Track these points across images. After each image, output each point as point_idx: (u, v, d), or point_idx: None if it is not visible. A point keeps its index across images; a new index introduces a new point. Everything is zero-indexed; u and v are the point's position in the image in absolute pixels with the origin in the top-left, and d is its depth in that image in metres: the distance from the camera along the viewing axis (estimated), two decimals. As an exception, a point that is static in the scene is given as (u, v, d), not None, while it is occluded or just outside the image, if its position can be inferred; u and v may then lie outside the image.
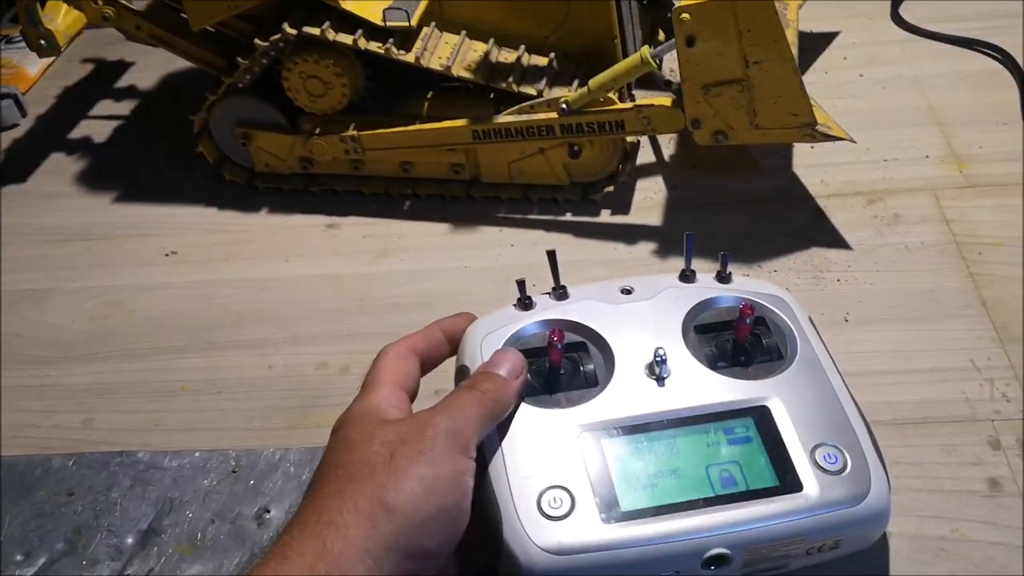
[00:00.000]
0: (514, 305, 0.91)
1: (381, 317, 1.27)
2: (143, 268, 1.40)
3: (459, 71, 1.32)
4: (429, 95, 1.40)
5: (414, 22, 1.30)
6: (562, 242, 1.34)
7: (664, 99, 1.25)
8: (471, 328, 0.89)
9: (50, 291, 1.37)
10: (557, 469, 0.76)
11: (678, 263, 1.25)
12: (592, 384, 0.83)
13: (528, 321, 0.88)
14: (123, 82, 1.85)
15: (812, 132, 1.19)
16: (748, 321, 0.83)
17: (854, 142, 1.24)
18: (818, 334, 0.88)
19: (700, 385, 0.81)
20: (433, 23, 1.36)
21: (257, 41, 1.31)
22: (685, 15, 1.13)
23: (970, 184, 1.34)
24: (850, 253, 1.26)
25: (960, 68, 1.57)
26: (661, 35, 1.47)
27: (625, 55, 1.36)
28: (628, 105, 1.27)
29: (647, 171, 1.44)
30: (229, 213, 1.48)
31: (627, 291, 0.90)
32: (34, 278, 1.40)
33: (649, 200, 1.39)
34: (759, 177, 1.41)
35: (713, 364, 0.84)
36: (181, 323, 1.30)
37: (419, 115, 1.38)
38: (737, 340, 0.85)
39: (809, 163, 1.41)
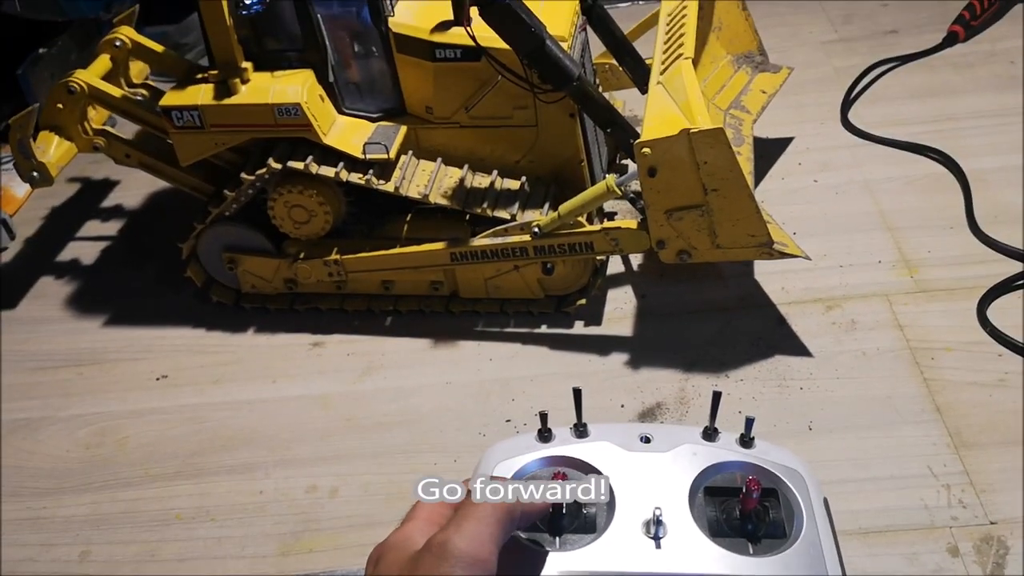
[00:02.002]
0: (535, 435, 0.90)
1: (368, 436, 1.32)
2: (134, 393, 1.45)
3: (436, 198, 1.39)
4: (408, 217, 1.47)
5: (392, 155, 1.37)
6: (537, 355, 1.41)
7: (630, 221, 1.32)
8: (488, 452, 0.90)
9: (43, 420, 1.42)
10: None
11: (650, 374, 1.32)
12: (589, 530, 0.82)
13: (542, 455, 0.88)
14: (109, 201, 1.91)
15: (770, 251, 1.26)
16: (755, 495, 0.81)
17: (808, 259, 1.31)
18: (828, 514, 0.86)
19: (695, 553, 0.79)
20: (410, 151, 1.43)
21: (243, 175, 1.38)
22: (646, 149, 1.20)
23: (921, 289, 1.41)
24: (811, 360, 1.32)
25: (908, 172, 1.65)
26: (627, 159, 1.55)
27: (592, 177, 1.44)
28: (596, 227, 1.34)
29: (617, 281, 1.51)
30: (217, 334, 1.53)
31: (646, 439, 0.89)
32: (28, 407, 1.44)
33: (619, 311, 1.46)
34: (723, 285, 1.47)
35: (715, 531, 0.82)
36: (173, 449, 1.34)
37: (398, 237, 1.46)
38: (743, 510, 0.83)
39: (769, 270, 1.48)
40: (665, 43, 1.37)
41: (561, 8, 1.39)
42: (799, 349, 1.34)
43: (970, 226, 1.50)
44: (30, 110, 1.47)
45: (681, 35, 1.35)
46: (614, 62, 1.60)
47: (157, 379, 1.46)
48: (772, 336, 1.37)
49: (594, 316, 1.46)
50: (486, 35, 1.27)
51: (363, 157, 1.37)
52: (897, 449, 1.18)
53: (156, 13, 1.71)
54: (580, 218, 1.33)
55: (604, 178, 1.28)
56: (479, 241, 1.38)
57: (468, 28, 1.27)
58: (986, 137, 1.70)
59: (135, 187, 1.93)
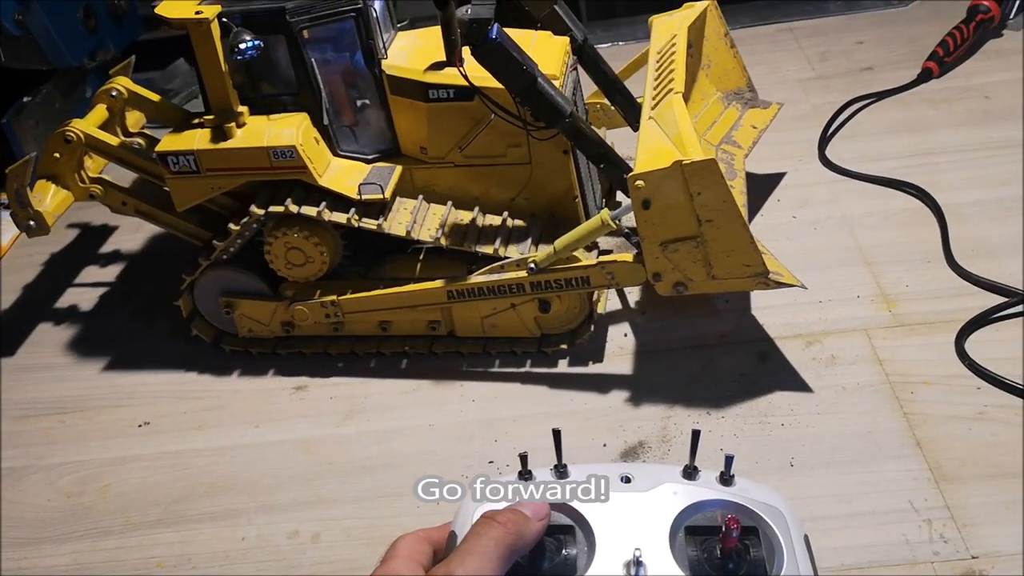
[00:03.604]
0: (516, 477, 0.89)
1: (350, 481, 1.32)
2: (116, 440, 1.44)
3: (441, 239, 1.39)
4: (403, 258, 1.48)
5: (388, 195, 1.38)
6: (520, 395, 1.41)
7: (626, 255, 1.33)
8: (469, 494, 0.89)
9: (25, 468, 1.41)
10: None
11: (632, 413, 1.33)
12: (569, 572, 0.82)
13: (525, 495, 0.86)
14: (107, 246, 1.92)
15: (765, 280, 1.27)
16: (734, 534, 0.81)
17: (805, 288, 1.32)
18: (809, 552, 0.86)
19: None
20: (421, 197, 1.44)
21: (231, 226, 1.39)
22: (639, 182, 1.21)
23: (899, 323, 1.42)
24: (792, 396, 1.33)
25: (885, 207, 1.67)
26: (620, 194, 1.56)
27: (586, 213, 1.45)
28: (592, 261, 1.35)
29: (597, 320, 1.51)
30: (200, 379, 1.54)
31: (626, 479, 0.88)
32: (10, 456, 1.44)
33: (601, 349, 1.46)
34: (704, 322, 1.48)
35: (696, 570, 0.82)
36: (155, 497, 1.34)
37: (395, 277, 1.46)
38: (724, 549, 0.83)
39: (749, 307, 1.49)
40: (655, 79, 1.39)
41: (552, 47, 1.41)
42: (780, 385, 1.35)
43: (947, 260, 1.52)
44: (27, 159, 1.48)
45: (671, 71, 1.37)
46: (606, 101, 1.62)
47: (139, 426, 1.46)
48: (753, 372, 1.38)
49: (576, 355, 1.46)
50: (479, 74, 1.28)
51: (359, 198, 1.38)
52: (878, 484, 1.18)
53: (140, 60, 1.72)
54: (576, 253, 1.34)
55: (598, 213, 1.29)
56: (475, 278, 1.39)
57: (461, 68, 1.29)
58: (961, 171, 1.71)
59: (132, 231, 1.94)
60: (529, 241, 1.40)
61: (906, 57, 2.12)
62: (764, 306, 1.48)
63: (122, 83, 1.56)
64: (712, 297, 1.50)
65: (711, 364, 1.41)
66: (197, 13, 1.31)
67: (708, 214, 1.22)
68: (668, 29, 1.50)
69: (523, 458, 0.89)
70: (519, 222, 1.43)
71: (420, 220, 1.41)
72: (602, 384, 1.40)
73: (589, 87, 1.59)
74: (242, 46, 1.29)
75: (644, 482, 0.88)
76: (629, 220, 1.29)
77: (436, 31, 1.34)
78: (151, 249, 1.89)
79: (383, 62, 1.37)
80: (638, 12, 2.53)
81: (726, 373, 1.39)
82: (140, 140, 1.58)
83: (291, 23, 1.31)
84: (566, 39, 1.46)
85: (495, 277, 1.38)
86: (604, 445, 1.30)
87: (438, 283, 1.41)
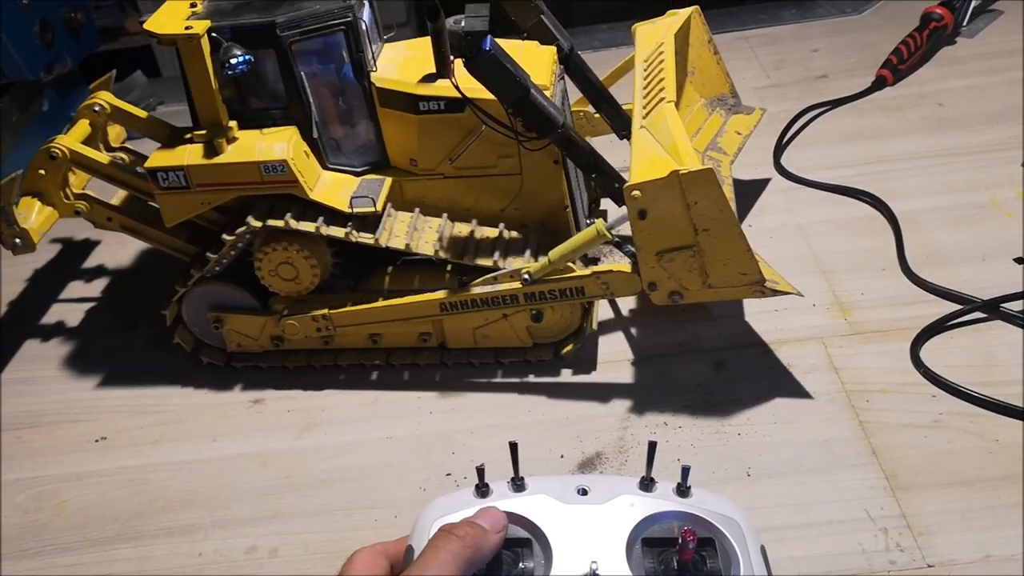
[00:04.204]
0: (472, 490, 0.89)
1: (307, 494, 1.31)
2: (73, 456, 1.43)
3: (443, 253, 1.38)
4: (390, 269, 1.48)
5: (379, 207, 1.37)
6: (477, 406, 1.41)
7: (621, 265, 1.33)
8: (425, 509, 0.88)
9: (-20, 486, 1.40)
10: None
11: (589, 424, 1.33)
12: None
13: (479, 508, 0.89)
14: (89, 262, 1.90)
15: (761, 289, 1.28)
16: (690, 546, 0.82)
17: (801, 295, 1.33)
18: (766, 562, 0.86)
19: None
20: (417, 209, 1.43)
21: (225, 237, 1.38)
22: (636, 192, 1.22)
23: (855, 331, 1.43)
24: (749, 406, 1.34)
25: (840, 215, 1.68)
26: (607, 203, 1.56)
27: (576, 223, 1.45)
28: (587, 272, 1.34)
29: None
30: (157, 393, 1.52)
31: (583, 491, 0.88)
32: (-35, 473, 1.42)
33: (556, 361, 1.46)
34: (660, 332, 1.49)
35: None
36: (112, 512, 1.33)
37: (383, 289, 1.46)
38: (681, 561, 0.83)
39: (708, 316, 1.50)
40: (645, 88, 1.39)
41: (540, 57, 1.41)
42: (737, 394, 1.36)
43: (902, 268, 1.53)
44: (13, 177, 1.45)
45: (661, 79, 1.38)
46: (590, 109, 1.62)
47: (96, 441, 1.45)
48: (710, 382, 1.39)
49: (531, 367, 1.46)
50: (470, 86, 1.28)
51: (350, 211, 1.37)
52: (835, 493, 1.19)
53: (97, 72, 1.71)
54: (570, 263, 1.34)
55: (587, 223, 1.29)
56: (470, 290, 1.38)
57: (453, 79, 1.29)
58: (915, 179, 1.73)
59: (114, 246, 1.91)
60: (528, 253, 1.40)
61: (860, 65, 2.15)
62: (721, 315, 1.49)
63: (105, 98, 1.54)
64: (670, 307, 1.51)
65: (668, 374, 1.41)
66: (187, 29, 1.29)
67: (705, 223, 1.22)
68: (653, 37, 1.51)
69: (480, 471, 0.89)
70: (515, 233, 1.43)
71: (417, 233, 1.40)
72: (558, 395, 1.41)
73: (572, 94, 1.59)
74: (233, 61, 1.27)
75: (601, 494, 0.88)
76: (623, 228, 1.29)
77: (423, 42, 1.35)
78: (117, 264, 1.87)
79: (372, 74, 1.37)
80: (623, 18, 2.53)
81: (683, 383, 1.39)
82: (123, 155, 1.56)
83: (281, 37, 1.31)
84: (553, 48, 1.46)
85: (490, 289, 1.38)
86: (561, 456, 1.30)
87: (432, 295, 1.40)
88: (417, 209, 1.43)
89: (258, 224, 1.35)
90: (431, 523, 0.87)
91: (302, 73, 1.35)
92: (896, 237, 1.59)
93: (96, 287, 1.81)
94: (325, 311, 1.44)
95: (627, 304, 1.55)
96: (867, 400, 1.31)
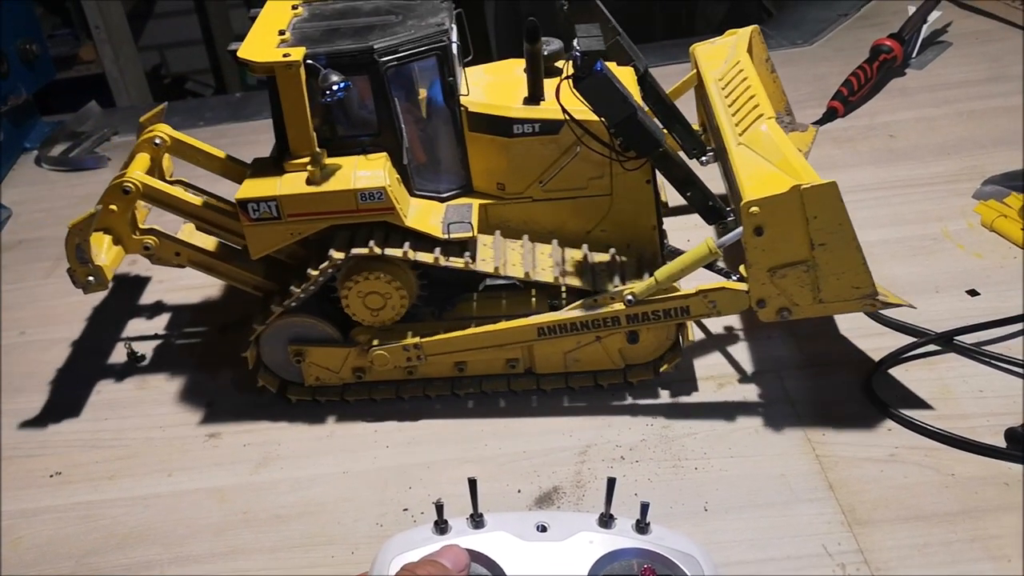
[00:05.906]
0: (431, 526, 0.91)
1: (264, 530, 1.30)
2: (28, 491, 1.41)
3: (536, 275, 1.36)
4: (480, 296, 1.47)
5: (475, 232, 1.35)
6: (434, 440, 1.41)
7: (730, 283, 1.33)
8: (384, 546, 0.90)
9: (-67, 523, 1.37)
10: None
11: (545, 458, 1.31)
12: None
13: (439, 546, 0.88)
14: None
15: (873, 302, 1.28)
16: None
17: (914, 307, 1.35)
18: None
19: None
20: (498, 232, 1.42)
21: (310, 271, 1.35)
22: (755, 208, 1.21)
23: (811, 363, 1.45)
24: (705, 439, 1.34)
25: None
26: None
27: (661, 243, 1.45)
28: (692, 291, 1.33)
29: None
30: (113, 427, 1.51)
31: (542, 528, 0.90)
32: (-83, 512, 1.39)
33: (512, 394, 1.46)
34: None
35: None
36: (67, 549, 1.31)
37: (471, 316, 1.43)
38: None
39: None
40: (731, 105, 1.41)
41: (624, 78, 1.38)
42: (693, 428, 1.36)
43: (856, 300, 1.55)
44: (91, 213, 1.39)
45: (751, 96, 1.39)
46: None
47: (51, 476, 1.43)
48: (667, 415, 1.39)
49: (486, 401, 1.46)
50: (573, 107, 1.29)
51: (446, 237, 1.35)
52: (792, 528, 1.20)
53: (53, 103, 1.69)
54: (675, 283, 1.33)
55: (669, 248, 1.32)
56: (568, 313, 1.36)
57: (560, 101, 1.28)
58: (868, 211, 1.75)
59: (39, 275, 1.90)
60: (619, 274, 1.39)
61: (811, 96, 2.17)
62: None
63: (164, 130, 1.52)
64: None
65: (623, 407, 1.42)
66: (285, 56, 1.27)
67: (823, 237, 1.23)
68: (719, 55, 1.52)
69: (439, 508, 0.90)
70: (603, 255, 1.42)
71: (502, 256, 1.38)
72: (515, 428, 1.41)
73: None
74: (333, 88, 1.25)
75: (560, 531, 0.89)
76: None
77: (499, 66, 1.36)
78: (62, 296, 1.84)
79: (463, 98, 1.36)
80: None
81: (640, 416, 1.40)
82: (180, 188, 1.52)
83: (379, 63, 1.29)
84: (631, 69, 1.47)
85: (591, 312, 1.35)
86: (519, 491, 1.30)
87: (529, 320, 1.38)
88: (498, 231, 1.42)
89: (339, 256, 1.33)
90: (390, 560, 0.88)
91: (395, 98, 1.33)
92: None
93: (34, 320, 1.80)
94: (417, 340, 1.40)
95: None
96: (823, 434, 1.33)
